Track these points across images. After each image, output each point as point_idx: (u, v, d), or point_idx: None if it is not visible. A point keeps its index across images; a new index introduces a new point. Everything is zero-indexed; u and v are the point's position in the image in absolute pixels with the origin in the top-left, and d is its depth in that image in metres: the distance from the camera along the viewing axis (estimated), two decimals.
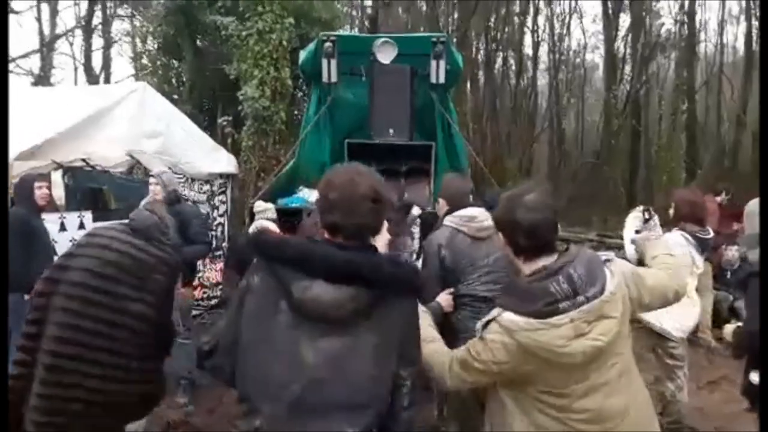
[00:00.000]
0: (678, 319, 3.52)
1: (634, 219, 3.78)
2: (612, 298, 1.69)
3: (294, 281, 1.50)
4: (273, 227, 4.73)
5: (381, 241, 2.80)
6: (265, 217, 4.83)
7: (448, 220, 2.90)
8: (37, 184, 4.25)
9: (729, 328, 2.73)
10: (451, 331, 2.60)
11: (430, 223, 3.83)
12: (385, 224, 2.91)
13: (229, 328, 1.62)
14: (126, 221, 2.47)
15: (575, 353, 1.64)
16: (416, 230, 4.40)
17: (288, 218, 5.13)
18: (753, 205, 2.66)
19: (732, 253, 6.73)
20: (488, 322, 1.77)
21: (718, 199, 6.75)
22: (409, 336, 1.60)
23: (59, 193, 5.61)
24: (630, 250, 3.66)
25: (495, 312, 1.75)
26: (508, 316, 1.70)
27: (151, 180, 4.50)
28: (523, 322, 1.66)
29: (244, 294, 1.61)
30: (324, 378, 1.47)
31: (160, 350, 2.44)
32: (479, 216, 2.85)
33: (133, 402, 2.28)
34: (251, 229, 4.78)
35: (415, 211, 4.42)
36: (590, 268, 1.71)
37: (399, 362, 1.56)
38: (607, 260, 1.79)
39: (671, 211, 3.83)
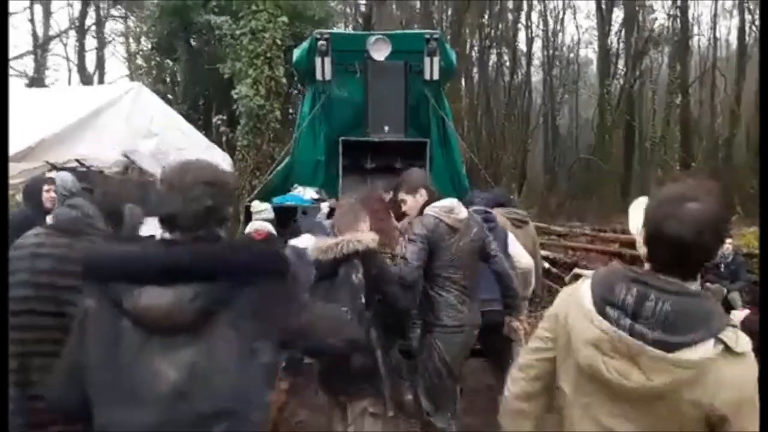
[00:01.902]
0: None
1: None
2: (658, 363, 1.32)
3: (125, 293, 1.36)
4: (270, 228, 4.69)
5: (366, 228, 2.90)
6: (261, 217, 4.77)
7: (431, 210, 3.17)
8: (46, 187, 4.26)
9: (738, 315, 2.63)
10: (429, 301, 3.17)
11: None
12: (368, 221, 3.00)
13: (70, 358, 1.48)
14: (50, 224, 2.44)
15: (583, 355, 1.44)
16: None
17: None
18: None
19: (725, 246, 6.78)
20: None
21: None
22: (282, 317, 1.51)
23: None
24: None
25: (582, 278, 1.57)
26: (583, 287, 1.51)
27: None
28: (583, 296, 1.48)
29: (82, 321, 1.44)
30: (186, 392, 1.35)
31: None
32: (456, 208, 3.20)
33: None
34: (248, 230, 4.73)
35: None
36: (684, 316, 1.34)
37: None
38: (727, 346, 1.30)
39: None
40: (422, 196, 3.28)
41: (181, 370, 1.35)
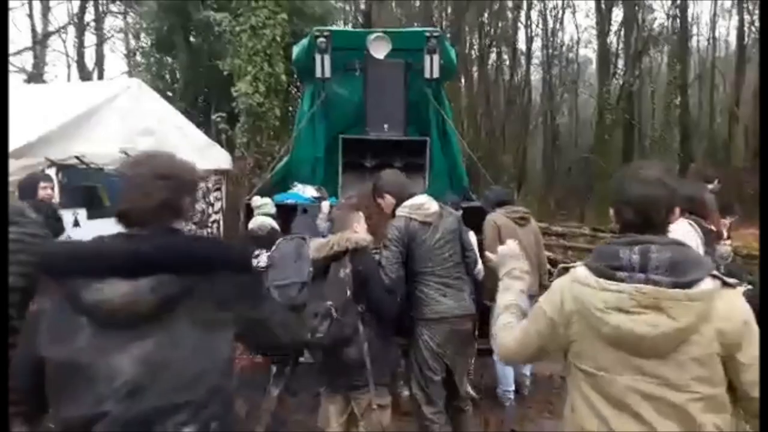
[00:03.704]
0: None
1: None
2: (679, 302, 1.48)
3: (83, 288, 1.35)
4: (272, 223, 4.66)
5: (361, 229, 2.94)
6: (263, 212, 4.74)
7: (401, 211, 3.24)
8: (42, 184, 4.25)
9: None
10: (414, 299, 3.21)
11: None
12: (361, 215, 3.03)
13: (24, 360, 1.45)
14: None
15: (609, 324, 1.53)
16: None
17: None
18: None
19: (725, 247, 6.75)
20: (564, 270, 1.74)
21: (710, 187, 6.67)
22: (248, 308, 1.55)
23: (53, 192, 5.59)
24: None
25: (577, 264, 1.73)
26: (579, 268, 1.66)
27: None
28: (583, 275, 1.62)
29: (36, 321, 1.42)
30: (145, 385, 1.35)
31: None
32: (426, 203, 3.24)
33: None
34: (251, 226, 4.70)
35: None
36: (683, 261, 1.53)
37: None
38: (723, 281, 1.53)
39: None
40: (387, 199, 3.35)
41: (138, 364, 1.35)
